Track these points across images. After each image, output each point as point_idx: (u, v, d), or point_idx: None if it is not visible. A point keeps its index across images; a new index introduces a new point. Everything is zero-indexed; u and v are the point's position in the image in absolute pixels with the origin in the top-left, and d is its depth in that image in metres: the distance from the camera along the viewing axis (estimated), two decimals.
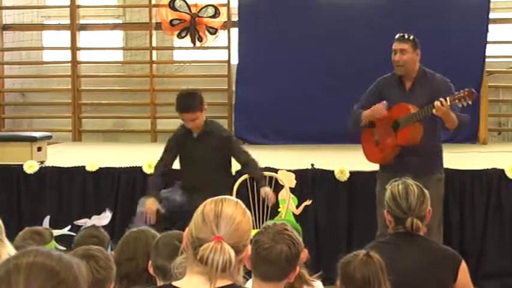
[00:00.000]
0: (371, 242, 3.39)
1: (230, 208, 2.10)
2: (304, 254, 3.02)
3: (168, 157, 5.42)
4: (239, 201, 2.17)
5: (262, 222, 5.12)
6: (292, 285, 2.89)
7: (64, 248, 2.97)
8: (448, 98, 4.94)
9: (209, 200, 2.14)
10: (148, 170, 6.47)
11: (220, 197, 2.15)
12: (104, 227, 3.59)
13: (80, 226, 3.59)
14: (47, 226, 3.18)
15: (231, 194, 5.20)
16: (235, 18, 9.45)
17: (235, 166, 6.40)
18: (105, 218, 3.57)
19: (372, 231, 5.12)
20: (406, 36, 5.28)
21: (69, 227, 3.41)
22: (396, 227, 3.28)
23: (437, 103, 4.92)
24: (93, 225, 3.50)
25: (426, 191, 3.34)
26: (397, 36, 5.33)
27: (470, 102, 4.97)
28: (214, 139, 5.28)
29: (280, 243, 2.56)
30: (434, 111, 4.95)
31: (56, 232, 3.20)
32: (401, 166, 5.02)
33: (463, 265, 3.21)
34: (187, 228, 2.11)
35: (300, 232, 3.09)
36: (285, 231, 2.61)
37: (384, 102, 5.22)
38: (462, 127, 5.19)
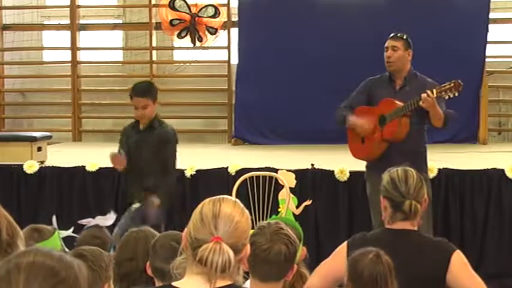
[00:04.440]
0: (359, 233, 3.30)
1: (228, 208, 2.09)
2: (303, 252, 3.02)
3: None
4: (237, 200, 2.16)
5: None
6: (292, 285, 2.90)
7: (67, 250, 2.96)
8: (434, 90, 4.97)
9: (207, 200, 2.13)
10: None
11: (218, 196, 2.14)
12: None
13: (83, 225, 3.59)
14: (55, 225, 3.18)
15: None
16: (235, 18, 9.45)
17: (237, 165, 6.41)
18: (109, 219, 3.57)
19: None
20: (399, 35, 5.33)
21: (72, 229, 3.41)
22: (393, 214, 3.21)
23: (424, 94, 4.97)
24: (97, 225, 3.50)
25: (422, 179, 3.30)
26: (390, 35, 5.38)
27: (456, 94, 4.98)
28: (156, 135, 5.37)
29: (278, 243, 2.56)
30: (421, 102, 4.98)
31: (62, 233, 3.19)
32: (387, 165, 5.02)
33: (456, 256, 3.12)
34: (185, 229, 2.11)
35: (301, 233, 3.09)
36: (281, 231, 2.61)
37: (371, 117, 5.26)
38: (449, 122, 5.19)
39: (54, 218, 3.24)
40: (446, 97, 5.02)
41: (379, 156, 5.25)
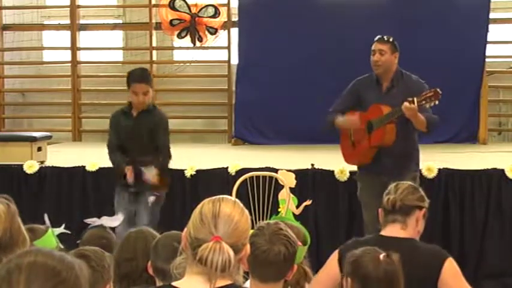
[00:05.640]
0: (351, 240, 3.30)
1: (228, 207, 2.10)
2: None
3: (115, 136, 5.64)
4: (237, 200, 2.16)
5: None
6: (297, 282, 2.90)
7: (61, 247, 2.97)
8: (415, 99, 4.99)
9: (206, 200, 2.13)
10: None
11: (218, 196, 2.14)
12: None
13: (86, 224, 3.59)
14: (48, 223, 3.18)
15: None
16: (235, 18, 9.45)
17: (237, 165, 6.42)
18: (116, 220, 3.57)
19: None
20: (386, 38, 5.36)
21: (63, 225, 3.42)
22: (384, 219, 3.23)
23: (405, 104, 5.01)
24: (101, 225, 3.50)
25: (422, 192, 3.31)
26: (376, 37, 5.40)
27: (437, 102, 5.02)
28: (153, 118, 5.56)
29: (278, 244, 2.55)
30: (404, 111, 5.02)
31: (55, 231, 3.20)
32: (378, 167, 5.16)
33: (448, 263, 3.11)
34: (185, 229, 2.11)
35: (307, 235, 3.08)
36: (280, 231, 2.60)
37: (358, 115, 5.30)
38: (432, 127, 5.24)
39: (46, 216, 3.25)
40: (428, 106, 5.04)
41: (370, 160, 5.32)
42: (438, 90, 5.01)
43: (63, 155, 7.82)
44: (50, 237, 3.05)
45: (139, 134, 5.48)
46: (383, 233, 3.26)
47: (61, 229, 3.32)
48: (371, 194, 4.94)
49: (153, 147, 5.53)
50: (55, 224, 3.47)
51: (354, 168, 6.05)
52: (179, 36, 9.51)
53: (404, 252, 2.96)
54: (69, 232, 3.45)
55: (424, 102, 5.02)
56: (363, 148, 5.37)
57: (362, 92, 5.40)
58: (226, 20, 9.50)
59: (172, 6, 9.44)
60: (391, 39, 5.35)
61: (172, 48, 10.11)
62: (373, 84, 5.37)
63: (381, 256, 2.75)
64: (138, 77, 5.48)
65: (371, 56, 5.33)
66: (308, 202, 5.80)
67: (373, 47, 5.34)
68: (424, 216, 3.28)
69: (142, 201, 5.55)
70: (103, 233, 3.46)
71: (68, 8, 9.95)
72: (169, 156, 5.63)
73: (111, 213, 4.64)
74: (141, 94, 5.43)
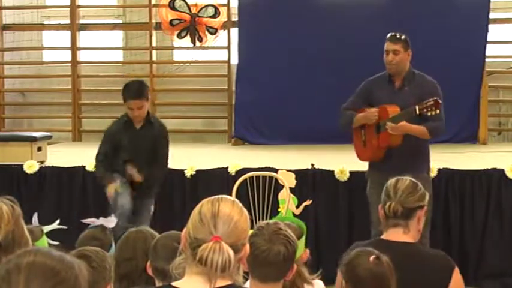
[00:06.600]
0: (353, 244, 3.27)
1: (227, 207, 2.10)
2: (305, 254, 3.01)
3: (109, 149, 5.60)
4: (236, 200, 2.17)
5: None
6: (294, 283, 2.89)
7: (56, 243, 2.96)
8: (417, 107, 5.02)
9: (205, 199, 2.13)
10: None
11: (216, 196, 2.14)
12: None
13: (87, 224, 3.59)
14: (36, 223, 3.18)
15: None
16: (235, 18, 9.45)
17: (237, 165, 6.42)
18: (111, 221, 3.57)
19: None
20: (398, 36, 5.32)
21: (58, 221, 3.41)
22: (385, 222, 3.19)
23: (388, 124, 5.07)
24: (101, 226, 3.50)
25: (422, 188, 3.25)
26: (389, 35, 5.36)
27: (438, 112, 5.01)
28: (156, 130, 5.56)
29: (277, 244, 2.55)
30: (390, 132, 5.09)
31: (46, 228, 3.19)
32: (388, 165, 5.14)
33: (456, 274, 3.08)
34: (185, 229, 2.11)
35: (303, 227, 3.08)
36: (280, 231, 2.60)
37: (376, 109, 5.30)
38: (435, 135, 5.28)
39: (35, 216, 3.24)
40: (429, 114, 5.03)
41: (382, 157, 5.32)
42: (438, 99, 5.02)
43: (63, 155, 7.82)
44: (43, 239, 3.06)
45: (144, 145, 5.47)
46: (385, 236, 3.20)
47: (54, 225, 3.32)
48: (379, 193, 4.87)
49: (154, 158, 5.54)
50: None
51: (355, 168, 6.06)
52: (179, 36, 9.51)
53: (410, 257, 2.95)
54: (65, 227, 3.45)
55: (425, 110, 5.03)
56: (373, 147, 5.38)
57: (373, 92, 5.39)
58: (226, 20, 9.50)
59: (172, 6, 9.45)
60: (403, 37, 5.32)
61: (172, 48, 10.11)
62: (384, 82, 5.37)
63: (371, 258, 2.73)
64: (133, 93, 5.45)
65: (384, 55, 5.30)
66: (308, 202, 5.80)
67: (386, 47, 5.30)
68: (426, 213, 3.26)
69: (145, 206, 5.57)
70: (97, 234, 3.44)
71: (68, 8, 9.95)
72: (166, 167, 5.65)
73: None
74: (136, 109, 5.43)
